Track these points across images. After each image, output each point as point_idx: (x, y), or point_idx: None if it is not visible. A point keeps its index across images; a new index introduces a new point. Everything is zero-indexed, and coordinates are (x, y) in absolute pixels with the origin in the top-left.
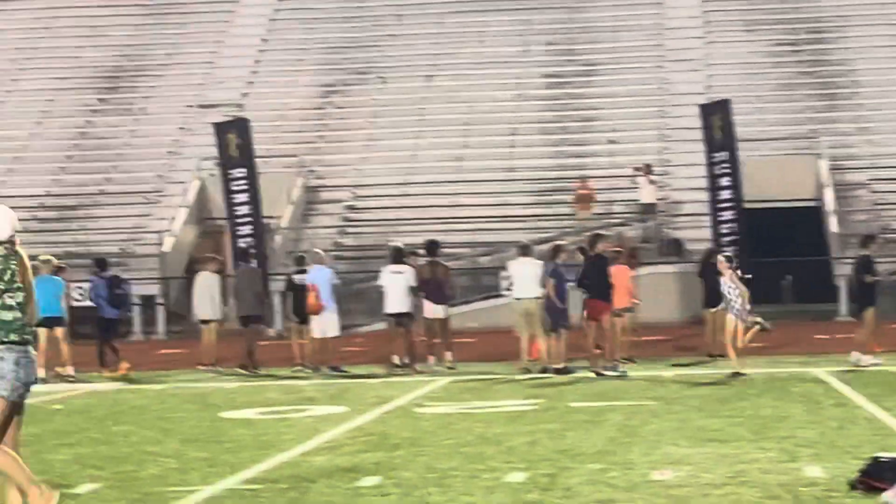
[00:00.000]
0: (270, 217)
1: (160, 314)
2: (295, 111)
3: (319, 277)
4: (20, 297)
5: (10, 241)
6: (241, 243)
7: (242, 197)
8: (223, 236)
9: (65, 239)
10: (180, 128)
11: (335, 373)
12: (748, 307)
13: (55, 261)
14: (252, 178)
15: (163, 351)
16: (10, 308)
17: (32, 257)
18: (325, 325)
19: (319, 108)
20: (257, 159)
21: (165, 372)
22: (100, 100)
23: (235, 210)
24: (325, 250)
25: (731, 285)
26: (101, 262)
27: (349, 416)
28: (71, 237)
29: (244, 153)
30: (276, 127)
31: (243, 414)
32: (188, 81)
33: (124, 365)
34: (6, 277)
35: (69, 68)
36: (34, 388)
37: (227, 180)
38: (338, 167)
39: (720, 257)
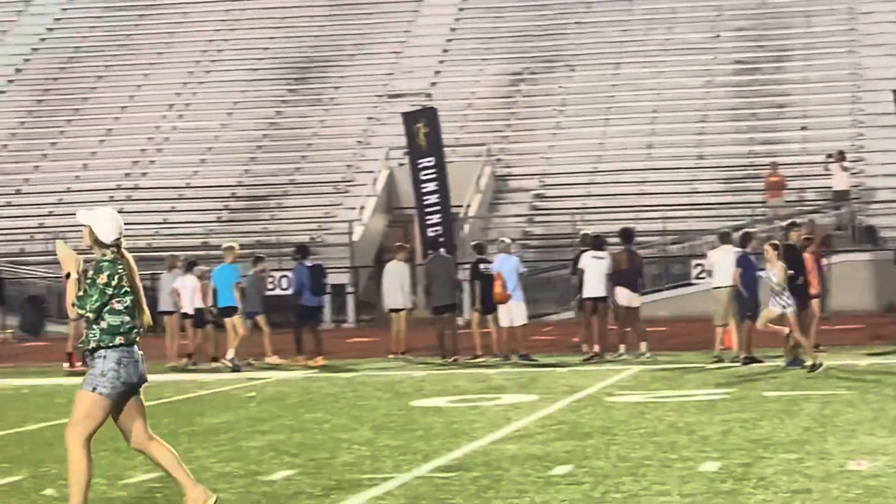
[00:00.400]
0: (458, 206)
1: (350, 303)
2: (483, 100)
3: (506, 266)
4: (128, 300)
5: (117, 245)
6: (430, 232)
7: (431, 186)
8: (412, 225)
9: (255, 229)
10: (369, 118)
11: (524, 361)
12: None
13: (237, 248)
14: (440, 167)
15: (353, 339)
16: (118, 313)
17: (216, 246)
18: (512, 313)
19: (507, 97)
20: (445, 148)
21: (356, 360)
22: (289, 90)
23: (424, 199)
24: (512, 239)
25: (778, 274)
26: (303, 250)
27: (539, 404)
28: (261, 227)
29: (432, 142)
30: (464, 116)
31: (433, 402)
32: (377, 71)
33: (320, 359)
34: (114, 282)
35: (259, 60)
36: (226, 377)
37: (415, 170)
38: (526, 156)
39: (766, 245)
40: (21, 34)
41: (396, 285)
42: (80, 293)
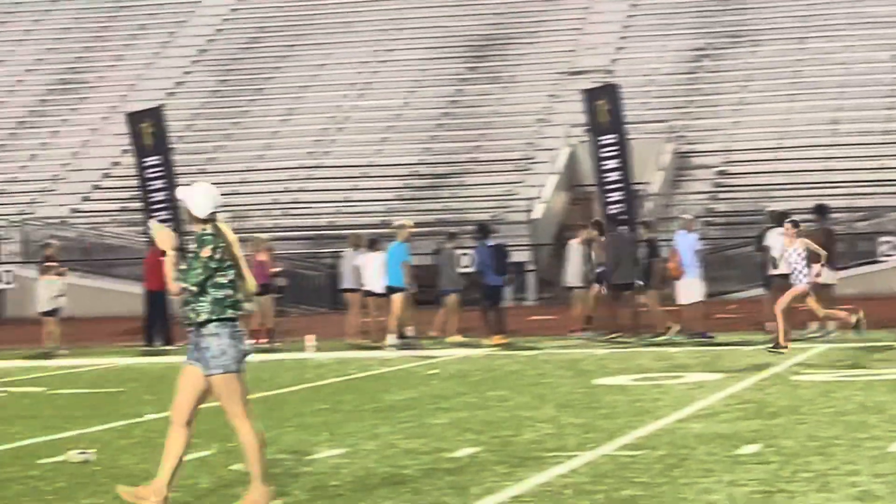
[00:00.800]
0: (640, 183)
1: (531, 280)
2: (665, 76)
3: (683, 243)
4: (231, 274)
5: (212, 219)
6: (611, 210)
7: (612, 163)
8: (593, 203)
9: (436, 207)
10: (549, 95)
11: (701, 339)
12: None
13: (409, 226)
14: (622, 144)
15: (533, 317)
16: (222, 286)
17: (385, 224)
18: (689, 290)
19: (690, 73)
20: (627, 125)
21: (537, 338)
22: (469, 68)
23: (605, 177)
24: (695, 216)
25: (799, 252)
26: (484, 229)
27: (724, 383)
28: (442, 205)
29: (614, 119)
30: (646, 92)
31: (616, 380)
32: (557, 48)
33: (499, 337)
34: (217, 256)
35: (439, 38)
36: (408, 353)
37: (596, 147)
38: (708, 132)
39: (786, 223)
40: (204, 15)
41: (576, 264)
42: (183, 267)
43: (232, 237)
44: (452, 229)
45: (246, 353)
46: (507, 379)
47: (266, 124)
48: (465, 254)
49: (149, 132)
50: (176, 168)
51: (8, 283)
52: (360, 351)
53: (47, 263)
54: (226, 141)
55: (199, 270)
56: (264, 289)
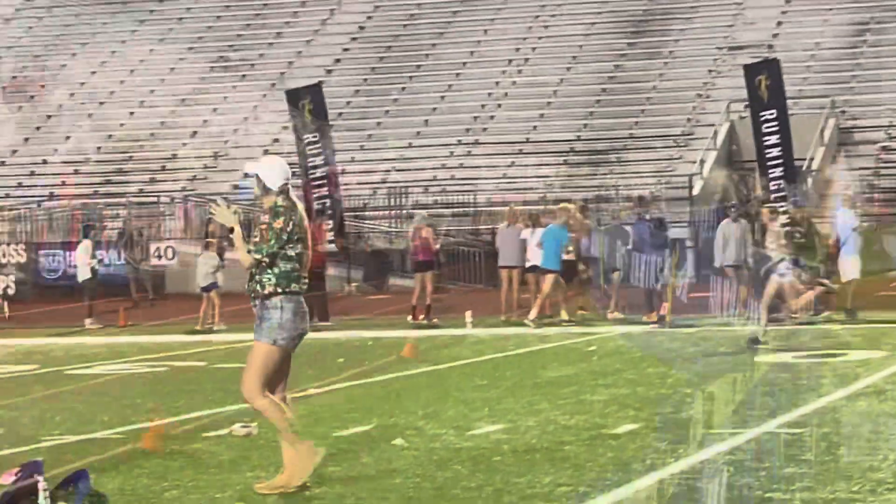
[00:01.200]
0: (801, 159)
1: (690, 257)
2: (827, 50)
3: (842, 219)
4: (299, 248)
5: (285, 191)
6: (772, 186)
7: (773, 139)
8: (753, 180)
9: (594, 183)
10: (709, 70)
11: (849, 316)
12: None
13: (573, 211)
14: (783, 119)
15: (693, 294)
16: (289, 259)
17: (557, 200)
18: (847, 267)
19: (852, 47)
20: (788, 100)
21: (696, 315)
22: (628, 44)
23: (766, 153)
24: (857, 192)
25: (778, 242)
26: (642, 203)
27: (889, 360)
28: (600, 181)
29: (775, 94)
30: (807, 67)
31: (778, 358)
32: (717, 23)
33: (653, 314)
34: (289, 229)
35: (598, 13)
36: (567, 330)
37: (757, 122)
38: (871, 107)
39: (764, 209)
40: None
41: (728, 242)
42: (256, 239)
43: (302, 212)
44: (615, 206)
45: (303, 334)
46: (666, 356)
47: (424, 101)
48: (626, 231)
49: (308, 109)
50: (335, 145)
51: (170, 259)
52: (517, 327)
53: (209, 240)
54: (385, 118)
55: (273, 241)
56: (426, 265)
